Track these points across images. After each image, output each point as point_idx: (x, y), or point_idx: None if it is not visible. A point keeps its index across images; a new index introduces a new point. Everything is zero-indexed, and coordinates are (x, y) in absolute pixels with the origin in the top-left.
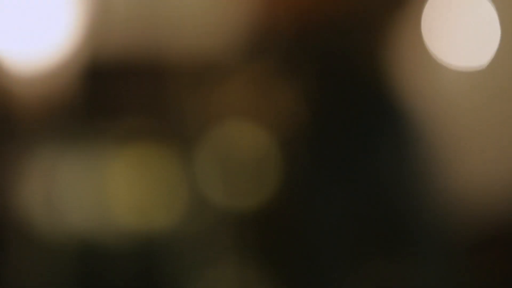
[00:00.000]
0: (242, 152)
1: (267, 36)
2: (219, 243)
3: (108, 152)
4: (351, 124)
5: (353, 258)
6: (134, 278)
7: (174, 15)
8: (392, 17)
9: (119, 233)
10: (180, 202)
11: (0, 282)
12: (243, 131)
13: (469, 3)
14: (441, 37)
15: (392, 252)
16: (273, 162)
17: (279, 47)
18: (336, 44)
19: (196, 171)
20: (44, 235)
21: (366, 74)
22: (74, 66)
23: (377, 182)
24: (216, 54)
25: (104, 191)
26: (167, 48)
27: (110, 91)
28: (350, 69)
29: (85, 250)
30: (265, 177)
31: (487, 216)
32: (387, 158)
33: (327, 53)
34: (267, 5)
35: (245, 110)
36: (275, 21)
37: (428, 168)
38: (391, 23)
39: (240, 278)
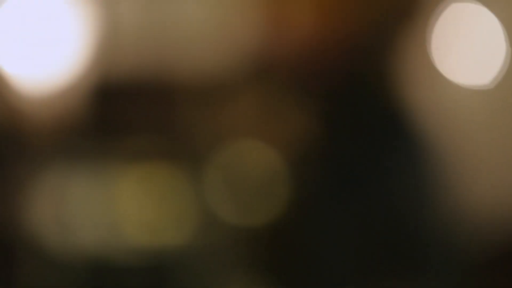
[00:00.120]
0: (251, 170)
1: (276, 56)
2: (228, 260)
3: (118, 171)
4: (360, 141)
5: (363, 275)
6: None
7: (183, 35)
8: (400, 35)
9: (129, 250)
10: (190, 220)
11: None
12: (252, 150)
13: (477, 21)
14: (449, 55)
15: (403, 269)
16: (282, 180)
17: (287, 66)
18: (345, 63)
19: (205, 189)
20: (55, 253)
21: (375, 92)
22: (84, 86)
23: (387, 199)
24: (225, 73)
25: (114, 209)
26: (176, 68)
27: (120, 111)
28: (359, 87)
29: (96, 267)
30: (274, 194)
31: (499, 233)
32: (397, 175)
33: (336, 71)
34: (276, 25)
35: (254, 129)
36: (284, 41)
37: (439, 184)
38: (399, 41)
39: None
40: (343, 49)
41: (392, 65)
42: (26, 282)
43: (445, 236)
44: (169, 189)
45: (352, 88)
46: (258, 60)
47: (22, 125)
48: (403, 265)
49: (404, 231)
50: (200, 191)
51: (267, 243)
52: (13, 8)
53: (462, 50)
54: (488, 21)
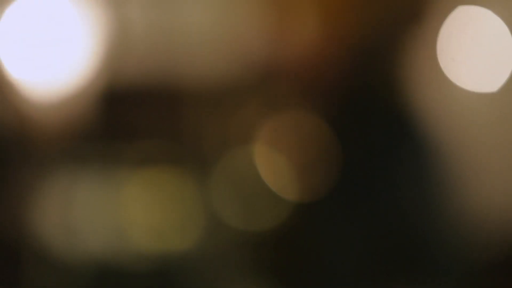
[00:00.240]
0: (257, 174)
1: (283, 60)
2: (234, 265)
3: (125, 175)
4: (367, 145)
5: (369, 279)
6: None
7: (191, 41)
8: (407, 40)
9: (136, 254)
10: (196, 224)
11: None
12: (258, 154)
13: (485, 26)
14: (457, 60)
15: (409, 272)
16: (288, 184)
17: (294, 70)
18: (351, 67)
19: (212, 194)
20: (61, 257)
21: (382, 96)
22: (92, 90)
23: (394, 203)
24: (233, 78)
25: (120, 214)
26: (184, 73)
27: (127, 115)
28: (366, 91)
29: (102, 272)
30: (280, 199)
31: (504, 235)
32: (404, 179)
33: (343, 76)
34: (283, 30)
35: (261, 134)
36: (290, 45)
37: (446, 187)
38: (406, 45)
39: None
40: (350, 53)
41: (399, 69)
42: (32, 285)
43: (452, 238)
44: (175, 193)
45: (359, 92)
46: (265, 64)
47: (30, 129)
48: (410, 268)
49: (411, 234)
50: (206, 196)
51: (273, 248)
52: (21, 13)
53: (469, 55)
54: (496, 26)
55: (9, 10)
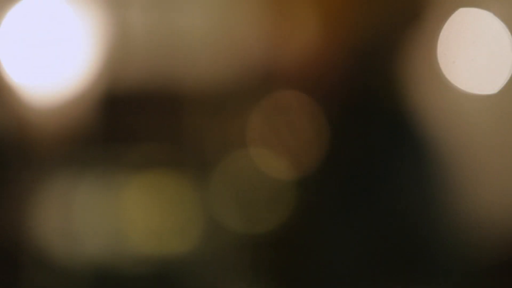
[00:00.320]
0: (257, 178)
1: (283, 64)
2: (234, 268)
3: (125, 179)
4: (367, 147)
5: (369, 282)
6: None
7: (191, 44)
8: (407, 42)
9: (136, 258)
10: (196, 228)
11: None
12: (258, 158)
13: (485, 29)
14: (456, 61)
15: (409, 274)
16: (288, 188)
17: (294, 74)
18: (351, 69)
19: (212, 197)
20: (61, 261)
21: (382, 98)
22: (92, 94)
23: (395, 206)
24: (233, 82)
25: (120, 217)
26: (184, 76)
27: (127, 119)
28: (366, 94)
29: (102, 275)
30: (280, 202)
31: (503, 237)
32: (404, 181)
33: (342, 78)
34: (284, 33)
35: (261, 137)
36: (291, 49)
37: (445, 189)
38: (406, 47)
39: None
40: (350, 56)
41: (399, 71)
42: None
43: (451, 239)
44: (175, 197)
45: (359, 94)
46: (265, 67)
47: (30, 133)
48: (409, 269)
49: (410, 235)
50: (206, 199)
51: (272, 251)
52: (21, 16)
53: (469, 57)
54: (496, 28)
55: (10, 14)
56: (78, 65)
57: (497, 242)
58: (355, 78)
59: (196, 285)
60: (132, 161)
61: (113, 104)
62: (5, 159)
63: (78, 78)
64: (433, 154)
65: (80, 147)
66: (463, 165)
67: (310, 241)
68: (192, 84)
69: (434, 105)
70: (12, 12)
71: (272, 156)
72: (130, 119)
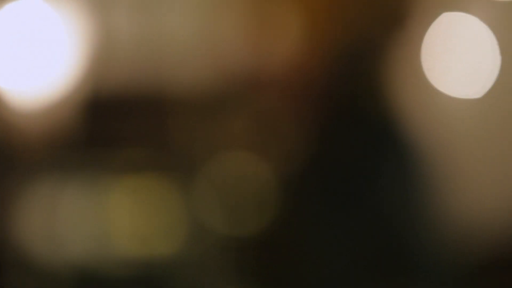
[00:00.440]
0: (242, 181)
1: (269, 68)
2: (219, 270)
3: (110, 182)
4: (351, 150)
5: (356, 284)
6: None
7: (176, 47)
8: (391, 45)
9: (120, 261)
10: (181, 230)
11: None
12: (243, 161)
13: (470, 33)
14: (441, 66)
15: (397, 275)
16: (273, 190)
17: (278, 77)
18: (335, 73)
19: (197, 200)
20: (46, 265)
21: (366, 101)
22: (76, 98)
23: (381, 208)
24: (218, 85)
25: (106, 221)
26: (169, 80)
27: (111, 123)
28: (350, 97)
29: (87, 278)
30: (264, 205)
31: (491, 241)
32: (389, 183)
33: (326, 81)
34: (269, 37)
35: (246, 141)
36: (276, 53)
37: (431, 191)
38: (390, 50)
39: None
40: (334, 60)
41: (383, 75)
42: None
43: (438, 241)
44: (160, 200)
45: (344, 98)
46: (249, 72)
47: (15, 137)
48: (395, 271)
49: (395, 238)
50: (191, 202)
51: (258, 253)
52: (4, 20)
53: (453, 61)
54: (480, 32)
55: None
56: (63, 69)
57: (483, 243)
58: (340, 81)
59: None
60: (117, 164)
61: (98, 108)
62: None
63: (63, 82)
64: (418, 156)
65: (65, 151)
66: (448, 167)
67: (295, 243)
68: (177, 88)
69: (419, 109)
70: None
71: (257, 159)
72: (115, 122)
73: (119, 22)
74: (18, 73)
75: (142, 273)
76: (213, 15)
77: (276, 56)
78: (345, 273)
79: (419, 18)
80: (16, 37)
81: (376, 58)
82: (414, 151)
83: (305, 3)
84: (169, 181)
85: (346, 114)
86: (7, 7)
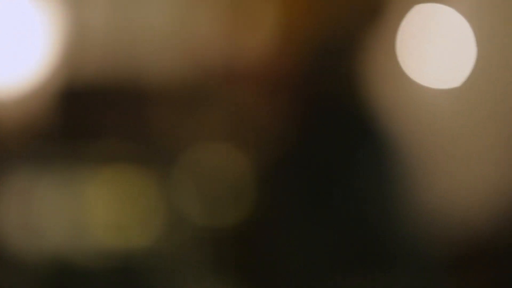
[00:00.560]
0: (219, 172)
1: (245, 62)
2: (196, 261)
3: (85, 174)
4: (327, 142)
5: (331, 275)
6: None
7: (151, 38)
8: (366, 37)
9: (97, 252)
10: (158, 222)
11: None
12: (220, 152)
13: (444, 23)
14: (416, 57)
15: (372, 268)
16: (250, 183)
17: (256, 71)
18: (311, 67)
19: (174, 191)
20: (23, 257)
21: (343, 94)
22: (51, 89)
23: (357, 202)
24: (194, 76)
25: (82, 212)
26: (145, 71)
27: (87, 114)
28: (326, 89)
29: (64, 270)
30: (241, 196)
31: (468, 233)
32: (365, 176)
33: (302, 74)
34: (244, 30)
35: (223, 132)
36: (252, 47)
37: (407, 184)
38: (366, 43)
39: None
40: (309, 53)
41: (359, 68)
42: None
43: (414, 235)
44: (137, 191)
45: (319, 92)
46: (225, 65)
47: None
48: (371, 265)
49: (373, 231)
50: (168, 194)
51: (235, 244)
52: None
53: (429, 52)
54: (455, 22)
55: None
56: (37, 60)
57: (461, 236)
58: (316, 74)
59: (159, 279)
60: (94, 155)
61: (75, 100)
62: None
63: (37, 73)
64: (396, 150)
65: (41, 142)
66: (424, 160)
67: (272, 235)
68: (153, 80)
69: (394, 101)
70: None
71: (234, 152)
72: (91, 114)
73: (95, 12)
74: None
75: (119, 264)
76: (189, 7)
77: (252, 48)
78: (322, 266)
79: (393, 10)
80: None
81: (352, 51)
82: (392, 144)
83: None
84: (146, 173)
85: (322, 107)
86: None
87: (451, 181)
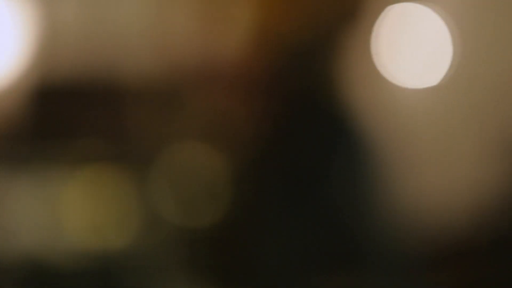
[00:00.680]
0: (195, 171)
1: (221, 61)
2: (172, 261)
3: (60, 174)
4: (303, 142)
5: (307, 274)
6: None
7: (126, 36)
8: (342, 36)
9: (73, 252)
10: (134, 222)
11: None
12: (196, 152)
13: (421, 22)
14: (392, 57)
15: (347, 268)
16: (226, 182)
17: (232, 70)
18: (287, 66)
19: (150, 191)
20: None
21: (319, 95)
22: (24, 88)
23: (332, 200)
24: (170, 75)
25: (57, 212)
26: (120, 69)
27: (61, 113)
28: (302, 89)
29: (40, 271)
30: (218, 196)
31: (445, 232)
32: (341, 176)
33: (278, 73)
34: (219, 29)
35: (199, 131)
36: (228, 46)
37: (383, 184)
38: (342, 42)
39: None
40: (284, 54)
41: (335, 69)
42: None
43: (389, 235)
44: (113, 191)
45: (295, 92)
46: (200, 64)
47: None
48: (350, 264)
49: (348, 230)
50: (144, 194)
51: (211, 244)
52: None
53: (405, 51)
54: (430, 21)
55: None
56: (9, 59)
57: (436, 235)
58: (291, 74)
59: (135, 279)
60: (69, 155)
61: (49, 99)
62: None
63: (9, 72)
64: (372, 150)
65: (14, 143)
66: (401, 160)
67: (248, 235)
68: (128, 79)
69: (370, 101)
70: None
71: (210, 152)
72: (66, 113)
73: (69, 10)
74: None
75: (96, 264)
76: (164, 5)
77: (227, 47)
78: (298, 266)
79: (369, 10)
80: None
81: (327, 51)
82: (368, 144)
83: None
84: (122, 173)
85: (297, 107)
86: None
87: (427, 180)
